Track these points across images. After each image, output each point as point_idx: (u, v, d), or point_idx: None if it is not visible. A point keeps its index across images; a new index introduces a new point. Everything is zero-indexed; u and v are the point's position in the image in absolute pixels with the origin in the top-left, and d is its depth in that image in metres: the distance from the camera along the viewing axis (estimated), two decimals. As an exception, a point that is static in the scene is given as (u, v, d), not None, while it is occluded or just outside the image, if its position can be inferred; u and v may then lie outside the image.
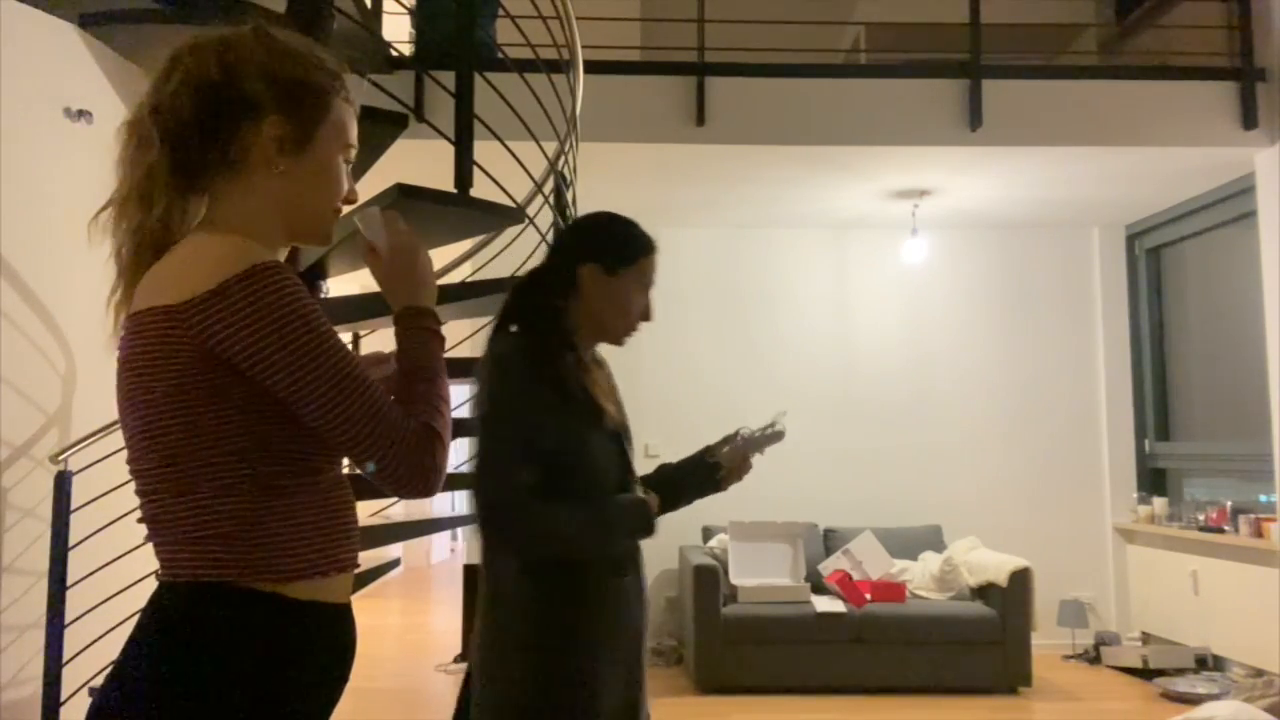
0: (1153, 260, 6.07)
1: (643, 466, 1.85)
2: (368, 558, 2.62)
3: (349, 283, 5.09)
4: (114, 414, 1.19)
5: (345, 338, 4.07)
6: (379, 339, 3.26)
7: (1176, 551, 5.40)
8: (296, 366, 1.10)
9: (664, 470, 1.92)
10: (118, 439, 1.20)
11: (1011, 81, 4.64)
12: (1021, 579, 4.95)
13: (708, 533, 5.60)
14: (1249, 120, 4.59)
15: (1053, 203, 5.62)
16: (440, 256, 3.35)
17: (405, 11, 4.06)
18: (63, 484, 2.86)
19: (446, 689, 5.12)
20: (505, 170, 3.27)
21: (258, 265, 1.10)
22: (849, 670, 4.91)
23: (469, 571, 5.42)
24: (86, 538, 2.84)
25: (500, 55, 3.74)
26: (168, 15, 2.91)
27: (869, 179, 5.15)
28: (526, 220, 3.31)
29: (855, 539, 5.44)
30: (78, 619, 2.82)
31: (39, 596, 2.88)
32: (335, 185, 1.27)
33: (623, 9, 5.38)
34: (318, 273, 3.38)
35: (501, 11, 3.83)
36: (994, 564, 5.12)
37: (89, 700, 1.17)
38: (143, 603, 1.17)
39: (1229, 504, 5.11)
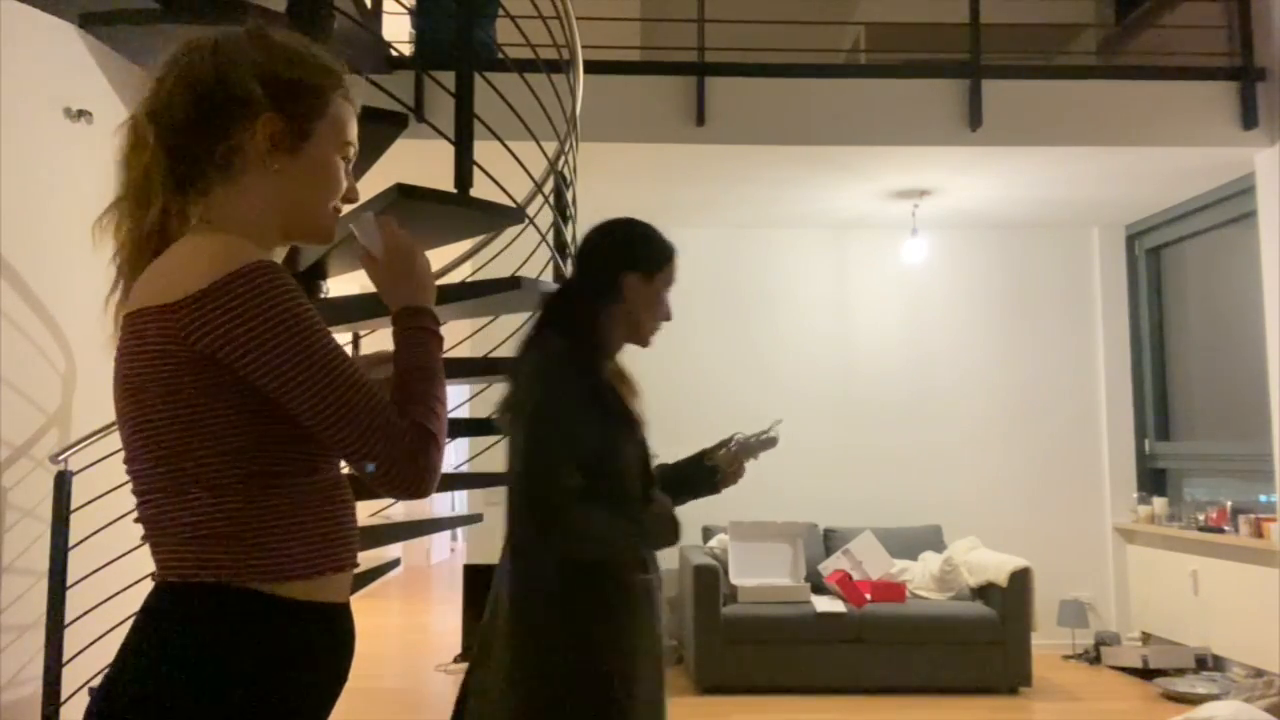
0: (1153, 260, 6.07)
1: (642, 466, 1.87)
2: (368, 558, 2.62)
3: (349, 283, 5.09)
4: (113, 414, 1.19)
5: (345, 338, 4.07)
6: (379, 339, 3.26)
7: (1176, 551, 5.40)
8: (288, 366, 1.09)
9: (662, 471, 1.98)
10: (118, 439, 1.20)
11: (1011, 81, 4.64)
12: (1021, 579, 4.95)
13: (708, 533, 5.60)
14: (1249, 120, 4.59)
15: (1053, 203, 5.62)
16: (440, 256, 3.35)
17: (405, 11, 4.06)
18: (63, 484, 2.86)
19: (446, 689, 5.12)
20: (505, 170, 3.27)
21: (250, 265, 1.09)
22: (849, 670, 4.91)
23: (469, 571, 5.42)
24: (86, 538, 2.84)
25: (500, 55, 3.73)
26: (168, 15, 2.90)
27: (869, 179, 5.15)
28: (526, 220, 3.30)
29: (855, 539, 5.44)
30: (78, 619, 2.82)
31: (39, 596, 2.87)
32: (333, 184, 1.27)
33: (623, 9, 5.38)
34: (318, 273, 3.38)
35: (501, 11, 3.83)
36: (994, 564, 5.12)
37: (89, 700, 1.17)
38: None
39: (1229, 504, 5.11)
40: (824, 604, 5.00)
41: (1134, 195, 5.47)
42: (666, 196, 5.43)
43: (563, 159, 3.49)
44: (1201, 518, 5.24)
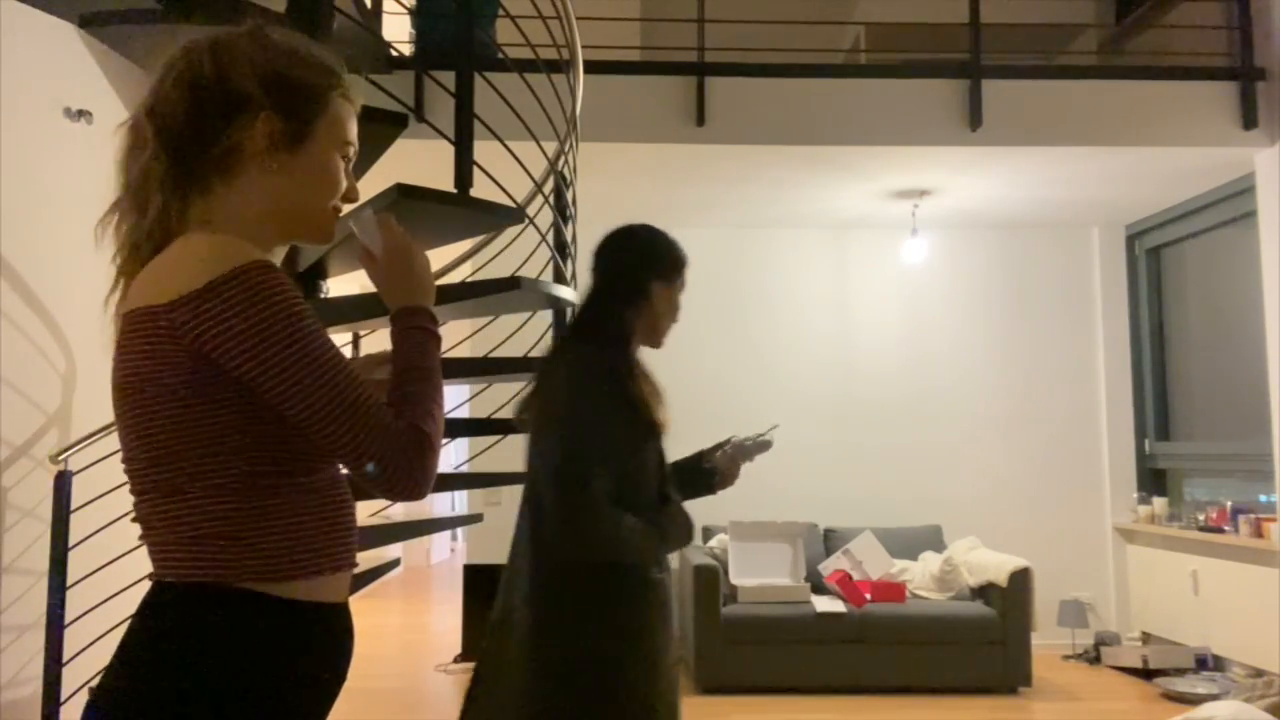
0: (1153, 260, 6.07)
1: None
2: (368, 558, 2.62)
3: (349, 283, 5.09)
4: (113, 414, 1.19)
5: (345, 338, 4.07)
6: (379, 339, 3.26)
7: (1176, 551, 5.40)
8: (281, 366, 1.09)
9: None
10: (117, 439, 1.20)
11: (1011, 81, 4.64)
12: (1021, 579, 4.95)
13: (708, 533, 5.59)
14: (1249, 120, 4.59)
15: (1053, 203, 5.62)
16: (440, 256, 3.35)
17: (405, 11, 4.06)
18: (63, 484, 2.85)
19: (446, 689, 5.12)
20: (505, 170, 3.27)
21: (245, 264, 1.09)
22: (849, 670, 4.91)
23: (469, 571, 5.42)
24: (86, 538, 2.84)
25: (500, 55, 3.73)
26: (168, 15, 2.90)
27: (869, 179, 5.15)
28: (526, 220, 3.30)
29: (855, 539, 5.44)
30: (78, 619, 2.82)
31: (39, 596, 2.87)
32: (332, 183, 1.26)
33: (623, 9, 5.38)
34: (318, 272, 3.38)
35: (501, 11, 3.83)
36: (994, 564, 5.12)
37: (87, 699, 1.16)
38: (142, 602, 1.17)
39: (1229, 504, 5.11)
40: (824, 604, 5.00)
41: (1134, 195, 5.47)
42: (666, 196, 5.43)
43: (563, 159, 3.49)
44: (1201, 518, 5.24)
